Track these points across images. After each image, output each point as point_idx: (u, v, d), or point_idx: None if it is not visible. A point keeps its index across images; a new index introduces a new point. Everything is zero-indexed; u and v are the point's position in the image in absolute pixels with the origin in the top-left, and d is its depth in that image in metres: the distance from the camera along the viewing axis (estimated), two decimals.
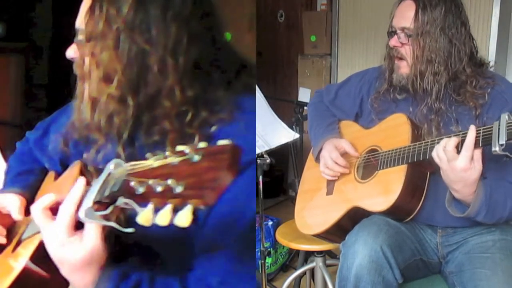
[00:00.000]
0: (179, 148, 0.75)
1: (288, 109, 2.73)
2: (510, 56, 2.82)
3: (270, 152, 1.99)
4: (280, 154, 3.08)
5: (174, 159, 0.74)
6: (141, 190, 0.75)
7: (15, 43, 3.29)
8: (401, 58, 1.50)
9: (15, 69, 3.32)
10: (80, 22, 1.03)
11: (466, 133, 1.24)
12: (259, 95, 2.10)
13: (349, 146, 1.61)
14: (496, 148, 1.18)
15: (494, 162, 1.33)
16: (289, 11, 3.96)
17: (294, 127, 2.43)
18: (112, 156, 1.01)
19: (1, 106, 3.23)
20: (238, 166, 0.72)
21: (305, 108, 2.61)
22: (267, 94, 2.20)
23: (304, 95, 3.55)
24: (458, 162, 1.23)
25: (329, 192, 1.66)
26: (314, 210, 1.70)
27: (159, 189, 0.72)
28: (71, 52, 1.06)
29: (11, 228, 1.21)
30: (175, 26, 0.98)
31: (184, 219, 0.71)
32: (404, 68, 1.50)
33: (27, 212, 1.19)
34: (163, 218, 0.72)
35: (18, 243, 1.11)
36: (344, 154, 1.63)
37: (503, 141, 1.18)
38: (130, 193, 0.77)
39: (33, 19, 3.42)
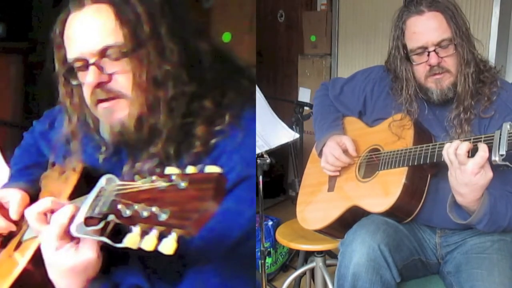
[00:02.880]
0: (168, 171, 0.77)
1: (288, 109, 2.73)
2: (510, 56, 2.82)
3: (270, 152, 1.99)
4: (280, 154, 3.08)
5: (160, 184, 0.75)
6: (128, 213, 0.77)
7: (15, 43, 3.28)
8: (442, 72, 1.41)
9: (15, 69, 3.31)
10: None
11: (471, 138, 1.24)
12: (259, 95, 2.10)
13: (350, 143, 1.60)
14: (496, 158, 1.17)
15: (495, 170, 1.29)
16: (289, 11, 3.95)
17: (294, 127, 2.42)
18: (116, 166, 1.02)
19: (1, 106, 3.22)
20: (223, 196, 0.73)
21: (305, 108, 2.61)
22: (267, 94, 2.20)
23: (304, 95, 3.55)
24: (468, 166, 1.21)
25: (331, 188, 1.66)
26: (315, 206, 1.69)
27: (145, 214, 0.74)
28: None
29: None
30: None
31: (168, 247, 0.72)
32: (448, 79, 1.42)
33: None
34: (149, 243, 0.73)
35: (19, 243, 1.11)
36: (345, 152, 1.62)
37: (503, 151, 1.16)
38: (117, 215, 0.79)
39: (33, 19, 3.42)
